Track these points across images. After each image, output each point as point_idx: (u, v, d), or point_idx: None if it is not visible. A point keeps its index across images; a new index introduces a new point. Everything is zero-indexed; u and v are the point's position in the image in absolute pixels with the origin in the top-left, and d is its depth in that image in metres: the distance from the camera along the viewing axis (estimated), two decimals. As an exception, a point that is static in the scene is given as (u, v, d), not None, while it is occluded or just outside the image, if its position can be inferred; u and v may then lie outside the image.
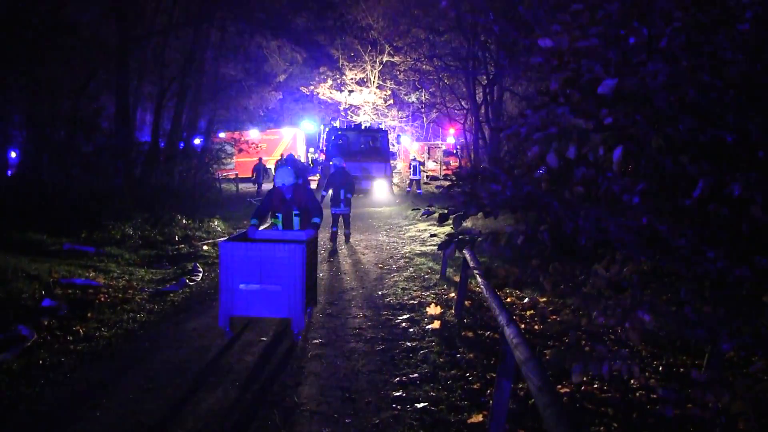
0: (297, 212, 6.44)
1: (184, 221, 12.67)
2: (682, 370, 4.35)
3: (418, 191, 22.14)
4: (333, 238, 11.07)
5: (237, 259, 5.22)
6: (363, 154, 20.54)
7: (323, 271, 8.69)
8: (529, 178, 2.83)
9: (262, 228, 6.48)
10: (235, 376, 4.46)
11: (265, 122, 30.28)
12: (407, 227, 13.77)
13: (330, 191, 11.07)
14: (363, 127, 22.54)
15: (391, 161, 22.32)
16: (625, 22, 2.21)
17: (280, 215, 6.49)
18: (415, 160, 23.36)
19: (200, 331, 5.63)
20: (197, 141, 20.81)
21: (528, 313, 6.25)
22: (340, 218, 11.22)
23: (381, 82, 27.48)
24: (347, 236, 11.47)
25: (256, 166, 24.16)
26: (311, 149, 29.89)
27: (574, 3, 2.26)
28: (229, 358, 4.84)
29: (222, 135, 23.88)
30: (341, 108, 28.39)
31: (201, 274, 8.29)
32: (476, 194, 2.87)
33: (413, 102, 28.29)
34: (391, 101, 28.57)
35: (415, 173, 22.54)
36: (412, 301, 6.84)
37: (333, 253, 10.32)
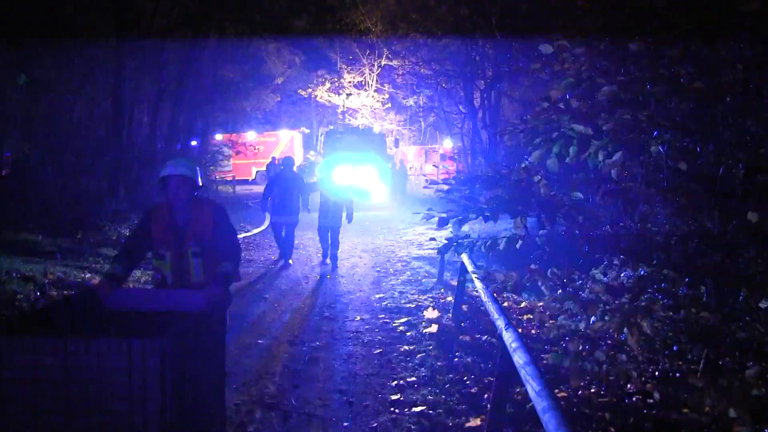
0: (196, 250, 3.40)
1: (180, 223, 12.63)
2: (678, 375, 4.36)
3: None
4: (324, 257, 9.27)
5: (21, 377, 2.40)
6: (360, 158, 20.59)
7: (318, 275, 8.67)
8: (528, 182, 2.85)
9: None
10: (232, 378, 4.45)
11: (263, 124, 30.34)
12: (404, 230, 13.77)
13: (319, 198, 9.34)
14: (360, 131, 22.63)
15: (389, 164, 22.44)
16: (626, 30, 2.23)
17: (166, 254, 3.42)
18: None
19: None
20: (194, 143, 20.81)
21: (525, 317, 6.25)
22: (329, 234, 9.14)
23: (379, 86, 27.49)
24: (334, 259, 9.13)
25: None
26: (311, 152, 29.96)
27: (575, 9, 2.28)
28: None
29: (219, 137, 23.92)
30: (339, 111, 28.43)
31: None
32: (475, 198, 2.89)
33: (411, 106, 28.34)
34: (389, 105, 28.60)
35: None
36: (410, 305, 6.85)
37: (323, 263, 9.35)
